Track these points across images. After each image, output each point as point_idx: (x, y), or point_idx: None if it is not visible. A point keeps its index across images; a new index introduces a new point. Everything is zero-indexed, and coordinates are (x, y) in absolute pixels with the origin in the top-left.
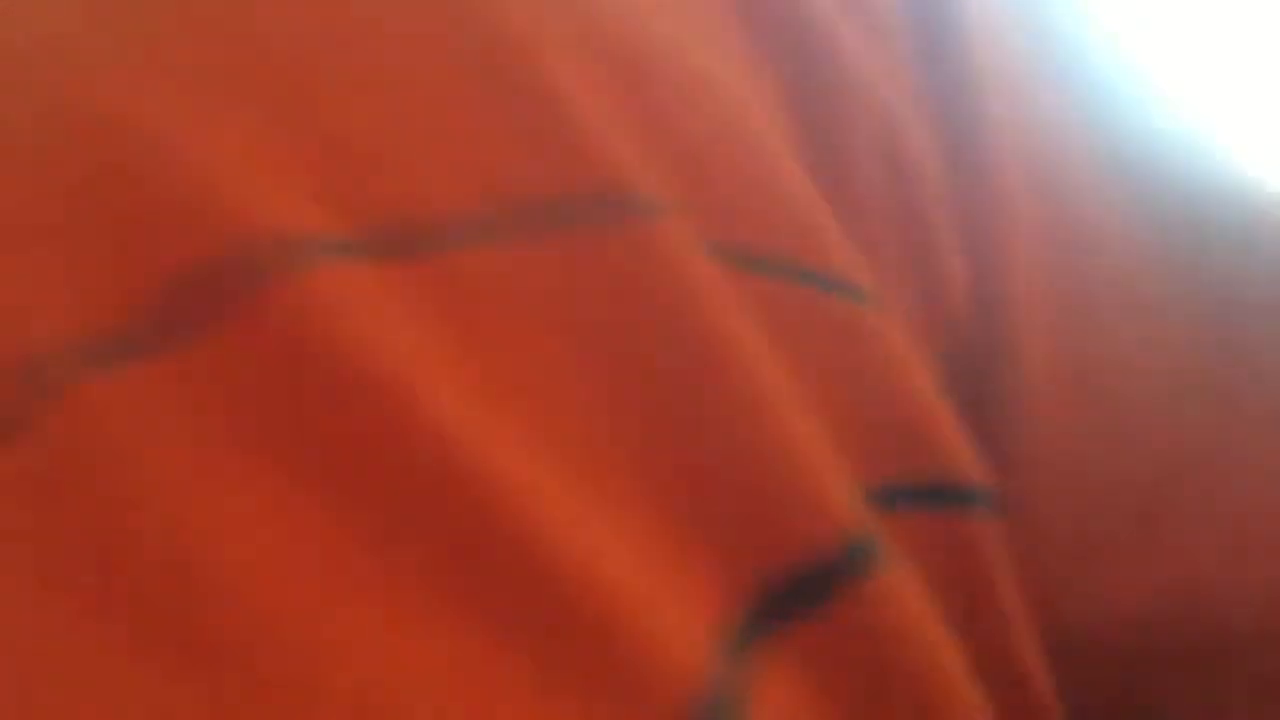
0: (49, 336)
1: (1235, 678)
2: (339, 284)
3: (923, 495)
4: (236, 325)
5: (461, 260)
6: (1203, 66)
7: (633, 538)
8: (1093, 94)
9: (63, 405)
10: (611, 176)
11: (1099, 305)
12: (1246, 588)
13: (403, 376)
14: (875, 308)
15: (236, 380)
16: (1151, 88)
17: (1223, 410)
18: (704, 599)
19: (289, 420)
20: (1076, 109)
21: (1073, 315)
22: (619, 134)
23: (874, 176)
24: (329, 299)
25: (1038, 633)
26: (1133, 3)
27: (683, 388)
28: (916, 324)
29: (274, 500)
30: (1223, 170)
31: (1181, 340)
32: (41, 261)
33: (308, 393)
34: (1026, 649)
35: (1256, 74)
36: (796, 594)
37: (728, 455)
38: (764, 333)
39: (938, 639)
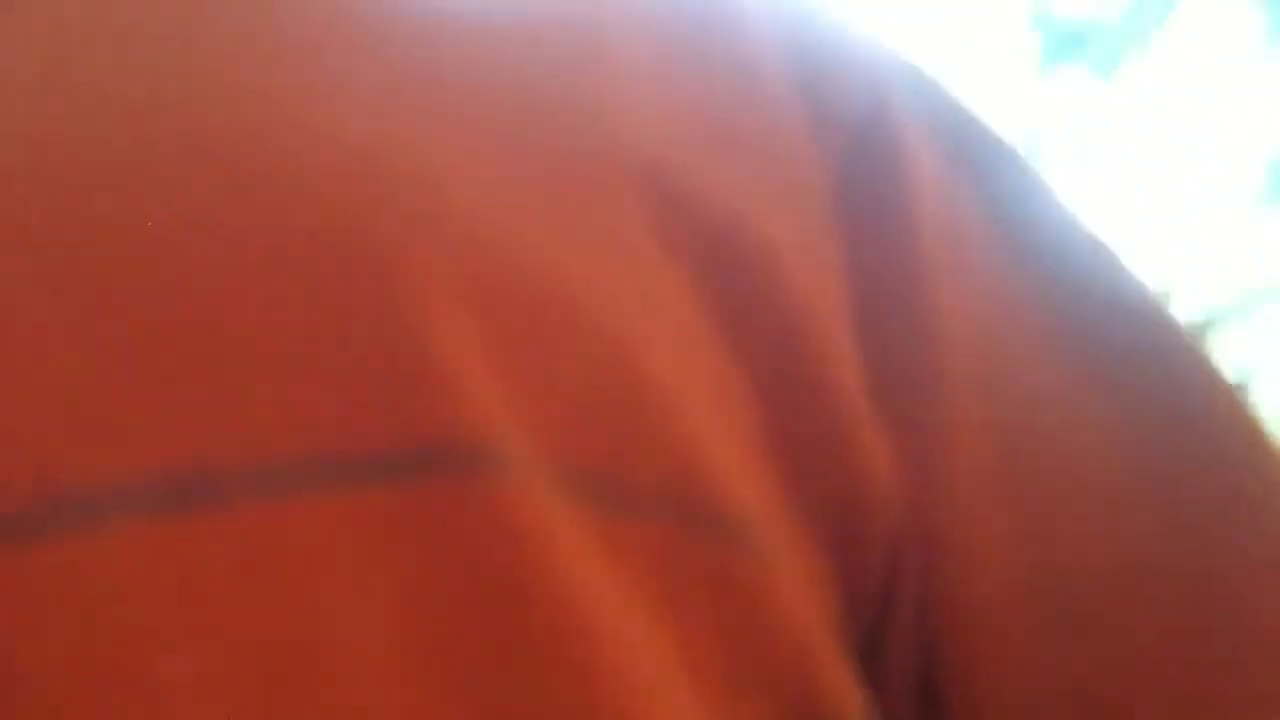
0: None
1: None
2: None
3: None
4: None
5: (241, 514)
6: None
7: None
8: (1045, 266)
9: None
10: (456, 427)
11: (1051, 500)
12: None
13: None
14: (760, 544)
15: None
16: (1104, 259)
17: (1178, 607)
18: None
19: None
20: (1029, 283)
21: (1024, 514)
22: (478, 379)
23: (777, 366)
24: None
25: None
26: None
27: (517, 671)
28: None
29: None
30: (1177, 352)
31: (1136, 533)
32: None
33: None
34: None
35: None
36: None
37: None
38: (626, 583)
39: None
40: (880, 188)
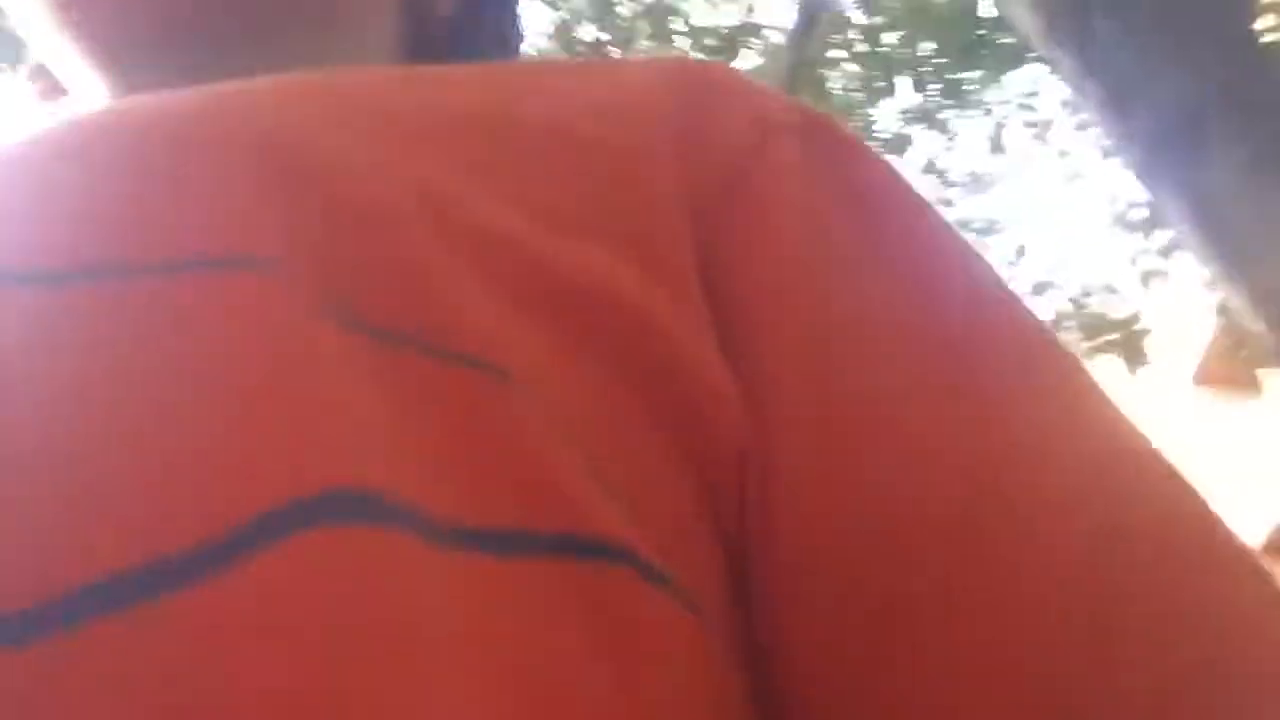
0: None
1: None
2: None
3: (550, 543)
4: None
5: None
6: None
7: None
8: (911, 282)
9: None
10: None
11: (861, 441)
12: None
13: None
14: (513, 385)
15: None
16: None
17: (969, 543)
18: None
19: None
20: (889, 292)
21: (838, 451)
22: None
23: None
24: None
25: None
26: None
27: None
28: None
29: None
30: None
31: (944, 484)
32: None
33: None
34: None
35: None
36: None
37: None
38: (385, 392)
39: None
40: (747, 206)
